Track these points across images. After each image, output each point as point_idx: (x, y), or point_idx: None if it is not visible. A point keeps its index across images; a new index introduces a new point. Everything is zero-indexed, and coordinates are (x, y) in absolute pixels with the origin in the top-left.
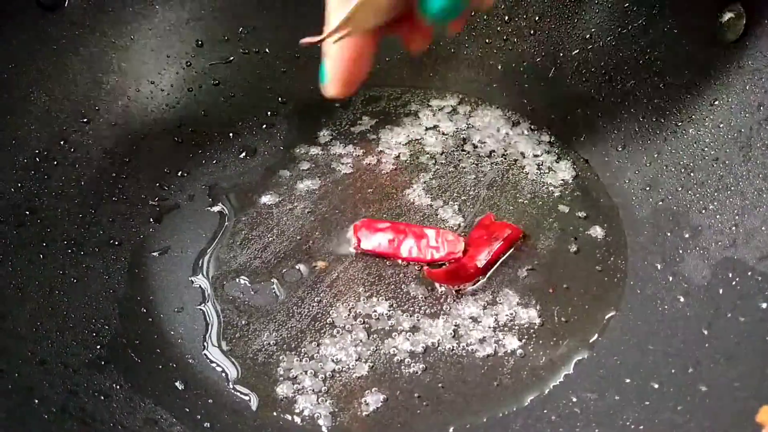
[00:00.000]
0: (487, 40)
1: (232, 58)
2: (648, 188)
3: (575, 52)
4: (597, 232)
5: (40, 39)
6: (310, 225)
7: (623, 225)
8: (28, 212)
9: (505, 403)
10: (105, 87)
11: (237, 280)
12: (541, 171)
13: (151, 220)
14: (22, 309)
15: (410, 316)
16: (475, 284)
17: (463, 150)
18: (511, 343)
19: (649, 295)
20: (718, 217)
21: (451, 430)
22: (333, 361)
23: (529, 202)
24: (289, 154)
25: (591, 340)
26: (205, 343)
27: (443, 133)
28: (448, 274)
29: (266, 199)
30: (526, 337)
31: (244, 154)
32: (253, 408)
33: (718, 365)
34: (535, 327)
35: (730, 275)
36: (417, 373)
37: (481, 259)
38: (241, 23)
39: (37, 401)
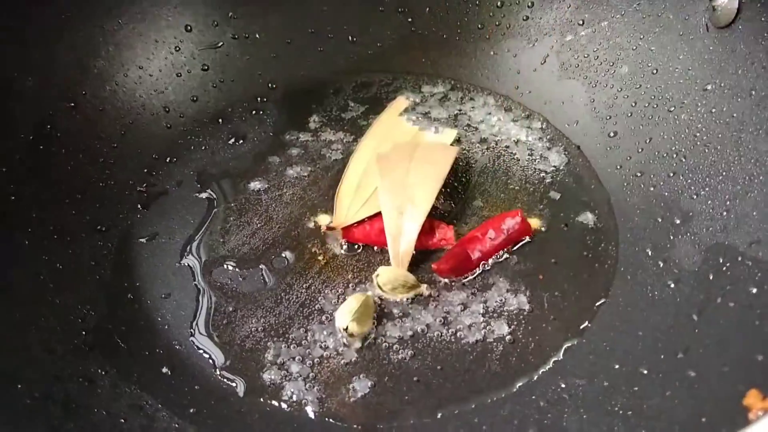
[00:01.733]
0: (479, 26)
1: (221, 43)
2: (639, 174)
3: (569, 37)
4: (588, 218)
5: (27, 23)
6: (299, 211)
7: (614, 211)
8: (13, 197)
9: (494, 388)
10: (92, 71)
11: (225, 266)
12: (533, 157)
13: (139, 205)
14: (6, 295)
15: (399, 303)
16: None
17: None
18: (501, 329)
19: (640, 281)
20: (709, 202)
21: (439, 415)
22: (321, 347)
23: (520, 189)
24: (279, 140)
25: (581, 327)
26: (192, 330)
27: (435, 120)
28: (452, 270)
29: (255, 185)
30: (515, 323)
31: (233, 139)
32: (240, 394)
33: (708, 350)
34: (525, 313)
35: (721, 261)
36: (405, 359)
37: (485, 252)
38: (230, 8)
39: (20, 386)
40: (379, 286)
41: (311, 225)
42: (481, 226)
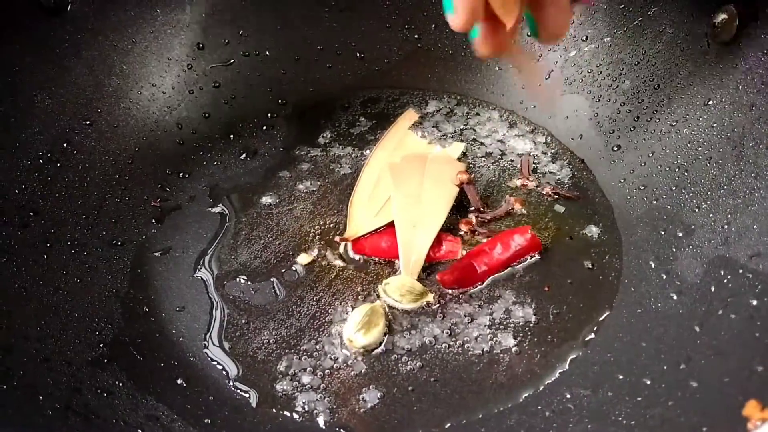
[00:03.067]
0: None
1: (232, 60)
2: (642, 187)
3: (572, 53)
4: (592, 231)
5: (43, 43)
6: (309, 225)
7: (618, 224)
8: (32, 213)
9: (501, 399)
10: (107, 89)
11: (237, 279)
12: (538, 171)
13: (153, 220)
14: (26, 308)
15: (407, 314)
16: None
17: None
18: (507, 340)
19: (643, 293)
20: (711, 215)
21: (447, 426)
22: (331, 358)
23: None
24: (289, 155)
25: (586, 338)
26: (206, 341)
27: (441, 134)
28: (456, 281)
29: (266, 199)
30: (521, 334)
31: (244, 155)
32: (253, 405)
33: (709, 361)
34: (531, 325)
35: (722, 273)
36: (413, 370)
37: (491, 266)
38: (241, 26)
39: (41, 398)
40: (387, 294)
41: (325, 239)
42: (490, 241)
